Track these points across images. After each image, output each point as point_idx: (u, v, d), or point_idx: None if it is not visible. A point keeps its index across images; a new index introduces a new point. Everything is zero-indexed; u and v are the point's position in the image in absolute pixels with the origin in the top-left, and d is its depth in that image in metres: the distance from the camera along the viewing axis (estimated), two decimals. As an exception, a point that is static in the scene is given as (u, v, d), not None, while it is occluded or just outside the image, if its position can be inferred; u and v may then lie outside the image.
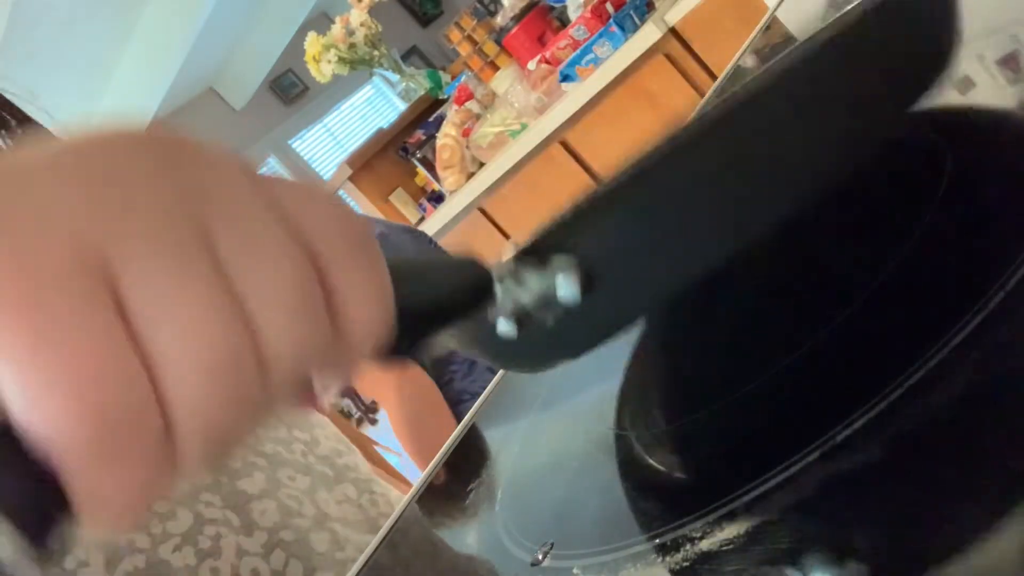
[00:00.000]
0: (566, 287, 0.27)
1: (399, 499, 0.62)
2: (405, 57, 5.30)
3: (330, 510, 0.56)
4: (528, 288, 0.27)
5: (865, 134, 0.30)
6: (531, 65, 2.33)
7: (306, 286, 0.19)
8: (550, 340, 0.30)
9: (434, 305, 0.27)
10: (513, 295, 0.27)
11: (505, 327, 0.28)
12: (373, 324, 0.21)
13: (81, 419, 0.16)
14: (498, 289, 0.28)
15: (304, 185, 0.21)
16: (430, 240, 1.67)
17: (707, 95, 0.79)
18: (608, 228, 0.28)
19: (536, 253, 0.28)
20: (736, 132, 0.29)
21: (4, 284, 0.16)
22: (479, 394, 1.39)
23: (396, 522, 0.51)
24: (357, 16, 2.58)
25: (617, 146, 2.23)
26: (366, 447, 1.70)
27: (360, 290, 0.21)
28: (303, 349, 0.19)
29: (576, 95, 2.19)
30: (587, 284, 0.27)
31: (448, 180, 2.54)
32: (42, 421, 0.16)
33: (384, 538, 0.50)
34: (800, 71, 0.29)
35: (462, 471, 0.53)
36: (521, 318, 0.28)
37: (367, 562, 0.48)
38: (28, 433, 0.16)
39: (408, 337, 0.25)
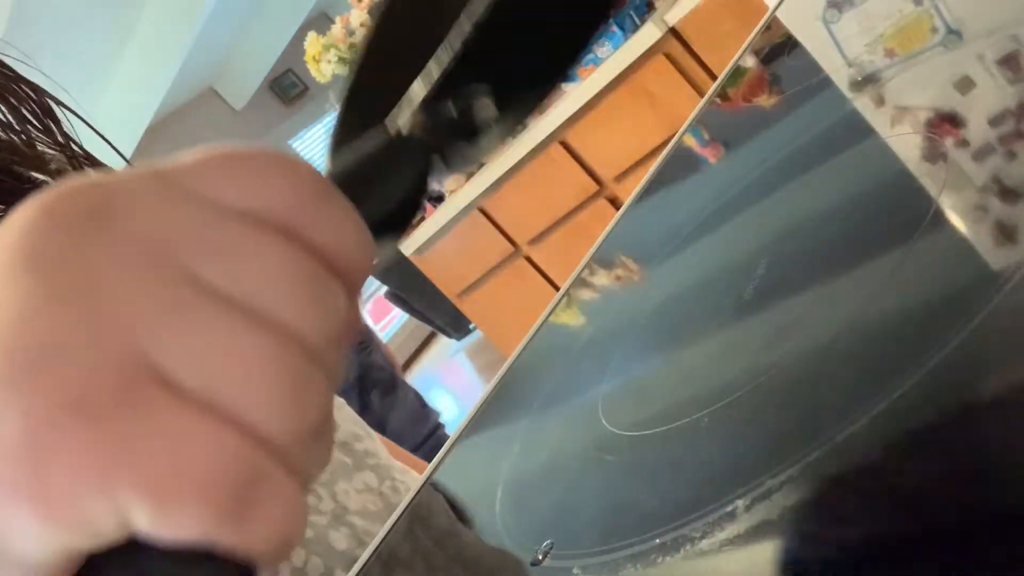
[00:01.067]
0: (485, 109, 0.26)
1: None
2: (405, 57, 5.29)
3: (350, 502, 0.56)
4: (446, 127, 0.26)
5: None
6: (531, 65, 2.33)
7: (296, 261, 0.19)
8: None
9: (390, 203, 0.25)
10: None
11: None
12: (364, 259, 0.21)
13: (208, 503, 0.17)
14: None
15: (228, 156, 0.20)
16: None
17: (707, 95, 0.78)
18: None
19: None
20: None
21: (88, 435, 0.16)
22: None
23: (408, 507, 0.51)
24: (357, 16, 2.58)
25: (617, 146, 2.23)
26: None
27: (339, 233, 0.20)
28: (330, 314, 0.19)
29: (576, 95, 2.18)
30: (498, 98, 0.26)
31: (448, 180, 2.54)
32: (180, 527, 0.16)
33: (394, 524, 0.49)
34: None
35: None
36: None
37: (378, 547, 0.48)
38: (171, 542, 0.17)
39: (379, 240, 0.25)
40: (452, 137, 0.26)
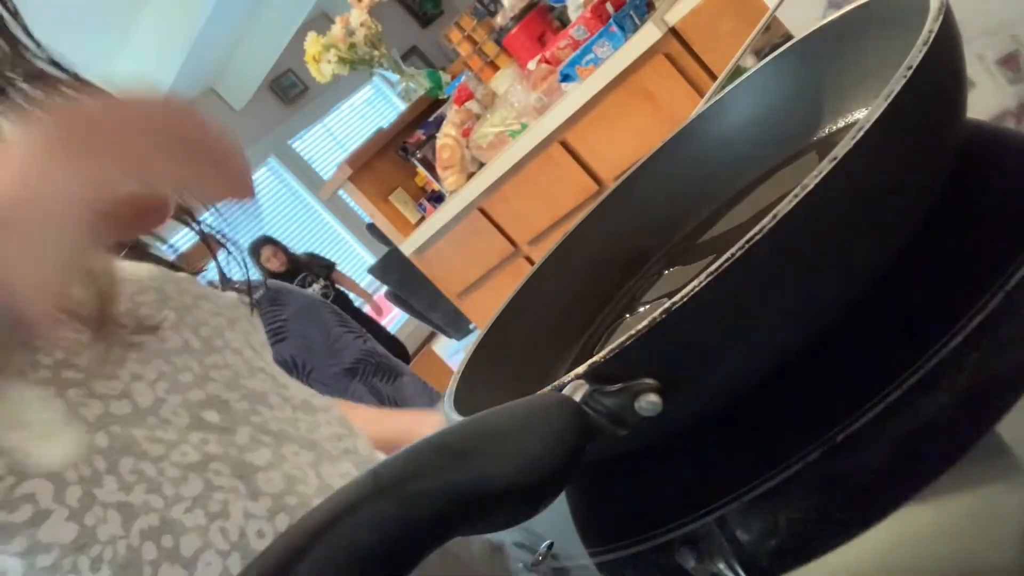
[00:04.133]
0: (649, 404, 0.28)
1: None
2: (405, 57, 5.30)
3: (333, 482, 0.58)
4: (607, 411, 0.28)
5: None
6: (531, 65, 2.33)
7: None
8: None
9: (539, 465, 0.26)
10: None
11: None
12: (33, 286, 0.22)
13: None
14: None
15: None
16: (335, 311, 1.68)
17: (707, 95, 0.78)
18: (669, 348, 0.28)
19: (607, 377, 0.28)
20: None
21: None
22: None
23: None
24: (357, 16, 2.58)
25: (617, 146, 2.23)
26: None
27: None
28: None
29: (576, 95, 2.18)
30: (666, 396, 0.28)
31: (448, 180, 2.54)
32: None
33: None
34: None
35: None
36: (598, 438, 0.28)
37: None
38: None
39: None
40: (611, 420, 0.28)
